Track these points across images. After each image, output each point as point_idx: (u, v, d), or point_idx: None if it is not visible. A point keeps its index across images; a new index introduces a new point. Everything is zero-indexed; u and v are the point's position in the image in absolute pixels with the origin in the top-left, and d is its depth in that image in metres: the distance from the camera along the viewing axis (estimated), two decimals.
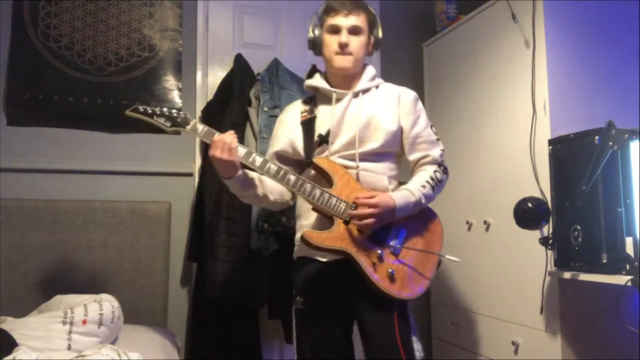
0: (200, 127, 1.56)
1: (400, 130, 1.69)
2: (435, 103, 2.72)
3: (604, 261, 1.57)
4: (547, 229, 1.67)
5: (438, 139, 1.73)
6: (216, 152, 1.51)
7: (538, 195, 1.80)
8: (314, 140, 1.67)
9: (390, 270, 1.55)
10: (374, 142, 1.65)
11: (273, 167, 1.57)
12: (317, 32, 1.74)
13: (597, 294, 1.75)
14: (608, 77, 1.99)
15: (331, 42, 1.68)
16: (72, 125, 2.40)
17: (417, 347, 1.58)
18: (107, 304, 1.85)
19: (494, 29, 2.24)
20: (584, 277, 1.64)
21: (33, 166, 2.32)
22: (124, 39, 2.50)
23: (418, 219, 1.64)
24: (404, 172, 1.77)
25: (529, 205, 1.64)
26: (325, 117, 1.69)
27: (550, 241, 1.64)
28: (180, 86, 2.57)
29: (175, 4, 2.60)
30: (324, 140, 1.66)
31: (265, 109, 2.36)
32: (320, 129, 1.68)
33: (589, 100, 1.95)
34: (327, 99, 1.72)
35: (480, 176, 2.30)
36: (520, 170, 2.02)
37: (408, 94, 1.73)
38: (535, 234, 1.68)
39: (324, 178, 1.62)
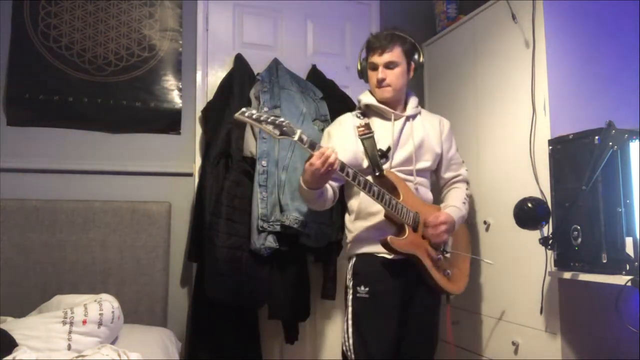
0: (305, 137, 1.65)
1: (441, 153, 2.04)
2: (435, 103, 2.72)
3: (604, 261, 1.57)
4: (547, 229, 1.67)
5: (463, 161, 2.13)
6: (317, 163, 1.62)
7: (538, 195, 1.80)
8: (376, 154, 1.89)
9: (447, 270, 1.93)
10: (426, 162, 1.99)
11: (362, 179, 1.74)
12: (363, 65, 2.02)
13: (597, 294, 1.74)
14: (608, 77, 1.99)
15: (372, 77, 1.96)
16: (72, 125, 2.40)
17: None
18: (107, 304, 1.85)
19: (494, 29, 2.24)
20: (583, 277, 1.64)
21: (33, 166, 2.32)
22: (124, 39, 2.50)
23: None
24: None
25: (529, 205, 1.64)
26: (383, 134, 1.93)
27: (550, 241, 1.64)
28: (180, 86, 2.57)
29: (175, 4, 2.60)
30: (384, 155, 1.90)
31: (265, 108, 2.36)
32: (379, 143, 1.91)
33: (589, 100, 1.95)
34: (382, 117, 1.98)
35: (480, 176, 2.30)
36: (520, 170, 2.02)
37: (447, 123, 2.10)
38: (535, 234, 1.68)
39: (388, 188, 1.82)
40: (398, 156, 1.93)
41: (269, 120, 1.59)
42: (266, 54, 2.63)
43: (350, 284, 1.90)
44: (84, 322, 1.75)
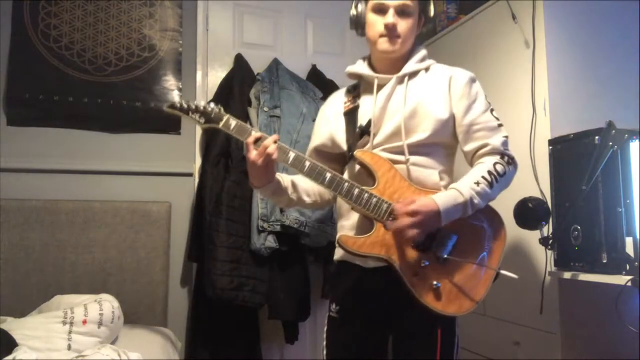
0: (233, 123, 1.42)
1: (452, 118, 1.48)
2: None
3: (604, 261, 1.57)
4: (547, 229, 1.67)
5: (500, 125, 1.49)
6: (257, 159, 1.39)
7: (538, 195, 1.80)
8: (356, 132, 1.50)
9: (435, 282, 1.37)
10: (422, 133, 1.45)
11: (307, 164, 1.41)
12: (360, 8, 1.53)
13: (597, 294, 1.74)
14: (608, 77, 1.99)
15: (376, 22, 1.48)
16: (72, 125, 2.40)
17: None
18: (107, 304, 1.85)
19: (494, 29, 2.24)
20: (584, 277, 1.64)
21: (33, 166, 2.32)
22: (124, 39, 2.50)
23: (476, 221, 1.44)
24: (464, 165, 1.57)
25: (529, 205, 1.64)
26: (367, 106, 1.52)
27: (550, 241, 1.64)
28: (180, 86, 2.57)
29: (175, 4, 2.60)
30: (365, 131, 1.49)
31: (265, 109, 2.36)
32: (361, 119, 1.51)
33: (589, 100, 1.95)
34: (369, 86, 1.54)
35: None
36: (520, 170, 2.01)
37: (461, 75, 1.50)
38: (535, 234, 1.68)
39: (368, 174, 1.44)
40: (384, 131, 1.48)
41: (196, 108, 1.42)
42: (266, 54, 2.63)
43: (329, 299, 1.59)
44: (84, 322, 1.75)
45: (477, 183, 1.39)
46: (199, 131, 2.55)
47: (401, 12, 1.47)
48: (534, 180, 1.92)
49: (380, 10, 1.48)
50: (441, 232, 1.40)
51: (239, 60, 2.53)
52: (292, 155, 1.42)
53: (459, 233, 1.41)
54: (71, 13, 2.44)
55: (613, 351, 1.79)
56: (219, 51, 2.65)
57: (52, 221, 2.21)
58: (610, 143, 1.55)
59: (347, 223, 1.52)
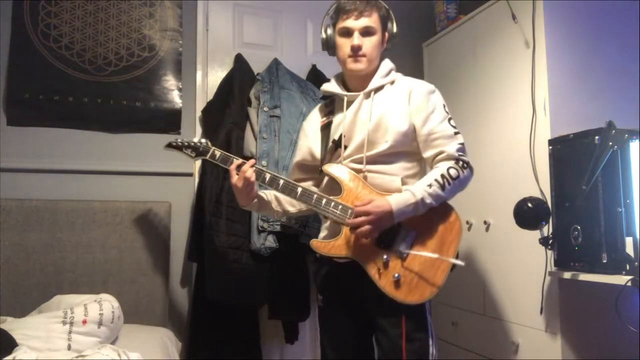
0: (218, 154, 1.70)
1: (412, 129, 1.63)
2: None
3: (604, 261, 1.57)
4: (547, 229, 1.67)
5: (457, 133, 1.64)
6: (238, 183, 1.62)
7: (538, 195, 1.80)
8: (329, 146, 1.69)
9: (395, 274, 1.53)
10: (384, 144, 1.61)
11: (281, 182, 1.62)
12: (329, 32, 1.71)
13: (597, 294, 1.74)
14: (608, 77, 1.99)
15: (344, 45, 1.66)
16: (72, 125, 2.40)
17: (433, 351, 1.58)
18: (107, 304, 1.85)
19: (494, 29, 2.24)
20: (584, 277, 1.64)
21: (33, 166, 2.32)
22: (124, 39, 2.50)
23: (432, 217, 1.58)
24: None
25: (529, 205, 1.64)
26: (339, 121, 1.70)
27: (550, 241, 1.64)
28: (180, 86, 2.57)
29: (175, 4, 2.60)
30: (338, 144, 1.67)
31: (265, 109, 2.36)
32: (334, 134, 1.69)
33: (589, 100, 1.95)
34: (342, 103, 1.72)
35: (480, 176, 2.29)
36: (520, 170, 2.02)
37: (419, 89, 1.66)
38: (535, 234, 1.68)
39: (336, 185, 1.63)
40: (353, 143, 1.64)
41: (188, 144, 1.73)
42: (266, 54, 2.63)
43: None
44: (84, 322, 1.75)
45: (430, 185, 1.55)
46: (199, 131, 2.55)
47: (365, 32, 1.64)
48: (534, 180, 1.92)
49: (347, 33, 1.65)
50: (401, 230, 1.57)
51: (239, 60, 2.53)
52: (267, 176, 1.64)
53: (417, 229, 1.57)
54: (71, 13, 2.44)
55: (613, 351, 1.79)
56: (219, 51, 2.65)
57: (52, 221, 2.21)
58: (610, 143, 1.55)
59: (324, 225, 1.73)
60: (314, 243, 1.61)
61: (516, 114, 2.07)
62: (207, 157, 1.70)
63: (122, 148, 2.46)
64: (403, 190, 1.58)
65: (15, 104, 2.33)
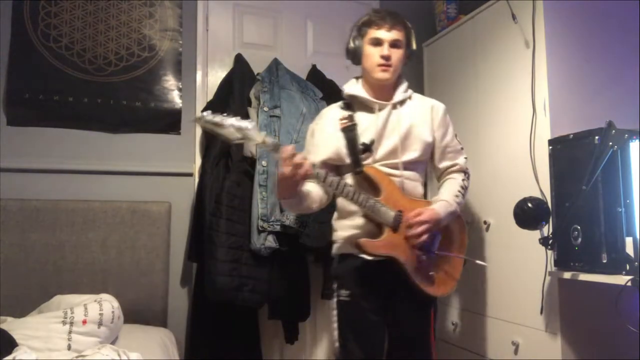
0: (269, 140, 1.56)
1: (433, 141, 1.83)
2: None
3: (604, 261, 1.57)
4: (547, 229, 1.67)
5: (462, 148, 1.90)
6: (289, 171, 1.52)
7: (538, 195, 1.80)
8: (358, 149, 1.74)
9: (430, 272, 1.74)
10: (414, 152, 1.78)
11: (334, 180, 1.63)
12: (357, 42, 1.81)
13: (597, 294, 1.74)
14: (608, 77, 1.99)
15: (373, 54, 1.77)
16: (72, 125, 2.40)
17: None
18: (107, 304, 1.85)
19: (494, 29, 2.24)
20: (584, 277, 1.64)
21: (33, 166, 2.32)
22: (124, 39, 2.50)
23: (449, 224, 1.79)
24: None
25: (529, 205, 1.64)
26: (367, 126, 1.78)
27: (550, 241, 1.64)
28: (180, 86, 2.57)
29: (175, 4, 2.60)
30: (368, 148, 1.74)
31: (265, 109, 2.36)
32: (362, 137, 1.76)
33: (589, 100, 1.95)
34: (366, 108, 1.81)
35: (480, 176, 2.30)
36: (520, 170, 2.02)
37: (440, 107, 1.87)
38: (535, 234, 1.68)
39: (370, 185, 1.71)
40: (383, 149, 1.77)
41: (231, 123, 1.52)
42: (266, 54, 2.63)
43: (334, 286, 1.81)
44: (84, 322, 1.75)
45: (457, 195, 1.80)
46: (199, 131, 2.55)
47: (394, 45, 1.77)
48: (534, 180, 1.92)
49: (377, 43, 1.77)
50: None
51: (239, 60, 2.53)
52: (331, 179, 1.63)
53: (442, 232, 1.77)
54: (71, 13, 2.44)
55: (613, 351, 1.79)
56: (219, 51, 2.65)
57: (52, 221, 2.21)
58: (610, 143, 1.55)
59: (350, 223, 1.77)
60: (363, 242, 1.66)
61: (516, 114, 2.07)
62: (259, 141, 1.54)
63: (122, 148, 2.46)
64: (422, 196, 1.82)
65: (15, 104, 2.33)
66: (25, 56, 2.35)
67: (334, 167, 1.79)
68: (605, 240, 1.57)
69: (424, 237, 1.67)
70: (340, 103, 1.88)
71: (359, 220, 1.74)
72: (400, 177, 1.76)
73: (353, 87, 1.85)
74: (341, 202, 1.80)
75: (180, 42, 2.59)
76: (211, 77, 2.63)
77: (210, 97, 2.55)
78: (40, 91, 2.36)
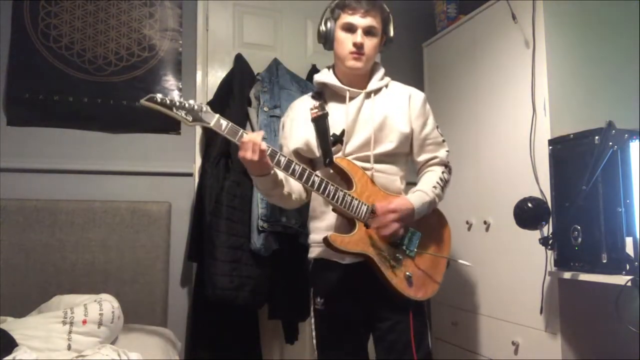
0: (224, 123, 1.44)
1: (411, 132, 1.69)
2: (435, 103, 2.71)
3: (604, 261, 1.57)
4: (547, 229, 1.67)
5: (444, 140, 1.75)
6: (246, 154, 1.42)
7: (538, 195, 1.80)
8: (328, 140, 1.61)
9: (407, 273, 1.59)
10: (389, 144, 1.65)
11: (298, 168, 1.50)
12: (329, 25, 1.66)
13: (597, 294, 1.74)
14: (608, 77, 1.99)
15: (345, 41, 1.63)
16: (72, 125, 2.40)
17: (429, 342, 1.66)
18: (107, 304, 1.85)
19: (494, 29, 2.24)
20: (584, 277, 1.64)
21: (33, 166, 2.32)
22: (124, 39, 2.50)
23: (430, 221, 1.67)
24: (411, 172, 1.77)
25: (529, 205, 1.64)
26: (337, 116, 1.65)
27: (550, 241, 1.64)
28: (180, 86, 2.57)
29: (175, 4, 2.60)
30: (338, 140, 1.62)
31: (265, 109, 2.36)
32: (332, 128, 1.62)
33: (589, 100, 1.95)
34: (338, 97, 1.69)
35: (480, 176, 2.30)
36: (520, 170, 2.02)
37: (418, 96, 1.73)
38: (535, 234, 1.68)
39: (342, 179, 1.60)
40: (355, 140, 1.63)
41: (180, 105, 1.41)
42: (266, 54, 2.63)
43: (311, 293, 1.73)
44: (84, 322, 1.75)
45: (435, 187, 1.66)
46: (199, 131, 2.55)
47: (368, 32, 1.63)
48: (534, 180, 1.92)
49: (349, 29, 1.63)
50: (409, 230, 1.62)
51: (239, 60, 2.53)
52: (283, 159, 1.49)
53: (422, 230, 1.64)
54: (71, 13, 2.44)
55: (613, 351, 1.79)
56: (219, 51, 2.66)
57: (52, 221, 2.21)
58: (610, 143, 1.55)
59: (323, 224, 1.66)
60: (332, 236, 1.51)
61: (516, 114, 2.07)
62: (212, 124, 1.43)
63: (122, 148, 2.46)
64: (402, 191, 1.67)
65: (15, 104, 2.33)
66: (25, 56, 2.35)
67: (307, 160, 1.68)
68: (605, 240, 1.57)
69: (395, 227, 1.53)
70: (311, 93, 1.78)
71: (331, 220, 1.62)
72: (371, 170, 1.62)
73: (324, 75, 1.72)
74: (313, 200, 1.71)
75: (180, 42, 2.59)
76: (211, 77, 2.63)
77: (210, 97, 2.55)
78: (40, 91, 2.36)
